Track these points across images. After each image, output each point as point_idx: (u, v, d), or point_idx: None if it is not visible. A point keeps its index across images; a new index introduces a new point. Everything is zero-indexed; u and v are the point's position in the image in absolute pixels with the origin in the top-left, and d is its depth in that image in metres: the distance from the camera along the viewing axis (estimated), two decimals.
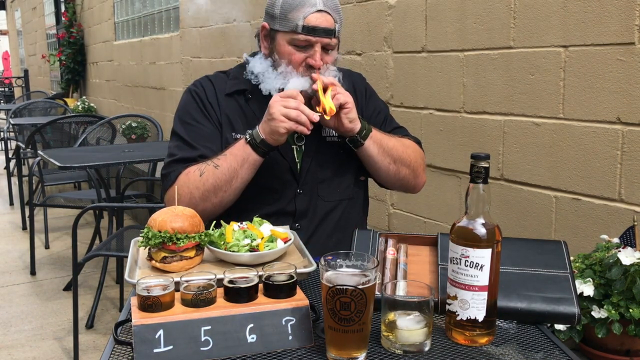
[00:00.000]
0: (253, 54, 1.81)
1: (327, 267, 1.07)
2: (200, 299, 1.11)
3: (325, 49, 1.65)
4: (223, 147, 1.69)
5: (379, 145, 1.68)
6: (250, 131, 1.60)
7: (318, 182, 1.74)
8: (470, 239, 1.11)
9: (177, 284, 1.15)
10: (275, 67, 1.68)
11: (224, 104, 1.74)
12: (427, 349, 1.10)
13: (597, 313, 1.67)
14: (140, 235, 1.32)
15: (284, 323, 1.11)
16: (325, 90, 1.58)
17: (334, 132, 1.74)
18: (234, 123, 1.72)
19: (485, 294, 1.12)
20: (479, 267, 1.10)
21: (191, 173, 1.62)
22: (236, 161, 1.59)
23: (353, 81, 1.86)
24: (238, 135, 1.69)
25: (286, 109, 1.53)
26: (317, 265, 1.18)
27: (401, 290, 1.20)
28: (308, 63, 1.64)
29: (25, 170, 5.61)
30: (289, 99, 1.55)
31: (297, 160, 1.73)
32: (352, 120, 1.62)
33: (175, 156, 1.70)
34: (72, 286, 3.03)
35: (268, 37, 1.71)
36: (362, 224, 1.87)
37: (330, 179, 1.75)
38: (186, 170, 1.64)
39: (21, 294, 3.88)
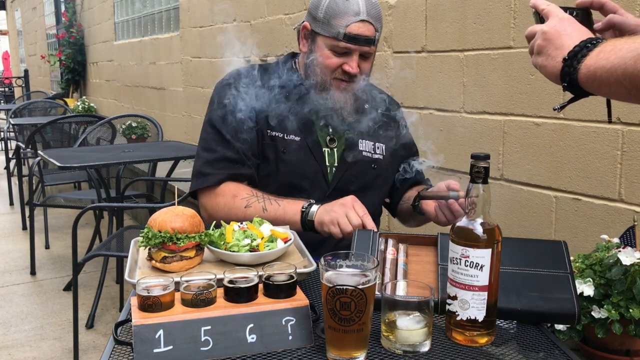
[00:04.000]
0: (293, 54, 1.84)
1: (327, 267, 1.08)
2: (200, 299, 1.11)
3: (364, 55, 1.67)
4: (257, 141, 1.70)
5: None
6: (309, 204, 1.61)
7: (348, 193, 1.72)
8: (470, 239, 1.11)
9: (177, 284, 1.15)
10: (311, 66, 1.70)
11: (258, 99, 1.73)
12: (427, 349, 1.10)
13: (597, 313, 1.66)
14: (140, 235, 1.32)
15: (284, 323, 1.11)
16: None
17: (371, 147, 1.79)
18: (269, 119, 1.72)
19: (485, 294, 1.12)
20: (479, 267, 1.10)
21: (238, 199, 1.65)
22: (284, 216, 1.61)
23: (392, 108, 1.89)
24: (273, 133, 1.71)
25: (345, 219, 1.52)
26: (317, 265, 1.18)
27: (401, 290, 1.20)
28: (344, 69, 1.66)
29: (25, 170, 5.61)
30: (356, 215, 1.52)
31: (327, 164, 1.76)
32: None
33: (216, 152, 1.70)
34: (72, 286, 3.03)
35: (309, 37, 1.72)
36: None
37: (358, 192, 1.74)
38: (233, 190, 1.66)
39: (21, 294, 3.88)
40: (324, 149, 1.76)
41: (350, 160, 1.77)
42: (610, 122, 1.22)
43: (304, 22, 1.73)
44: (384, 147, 1.84)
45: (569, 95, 1.06)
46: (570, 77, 1.00)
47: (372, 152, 1.80)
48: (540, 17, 1.12)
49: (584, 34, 1.03)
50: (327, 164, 1.76)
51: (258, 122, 1.73)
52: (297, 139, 1.73)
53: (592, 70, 0.95)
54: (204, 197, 1.73)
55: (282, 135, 1.72)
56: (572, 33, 1.03)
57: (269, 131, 1.72)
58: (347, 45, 1.62)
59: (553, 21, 1.07)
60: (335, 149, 1.78)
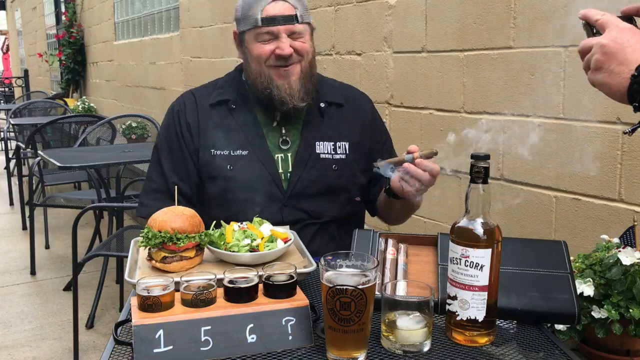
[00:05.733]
0: (240, 66, 1.80)
1: (327, 267, 1.08)
2: (200, 299, 1.11)
3: (294, 36, 1.64)
4: (201, 165, 1.69)
5: (408, 202, 1.63)
6: None
7: (308, 197, 1.69)
8: (470, 239, 1.11)
9: (177, 284, 1.15)
10: (249, 67, 1.68)
11: (204, 119, 1.72)
12: (427, 349, 1.10)
13: (597, 313, 1.66)
14: (140, 235, 1.32)
15: (284, 323, 1.11)
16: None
17: (330, 148, 1.72)
18: (214, 138, 1.70)
19: (485, 294, 1.12)
20: (479, 267, 1.10)
21: None
22: None
23: (357, 102, 1.83)
24: (219, 152, 1.68)
25: None
26: (317, 265, 1.18)
27: (401, 290, 1.20)
28: (277, 54, 1.63)
29: (25, 170, 5.61)
30: None
31: (280, 171, 1.70)
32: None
33: (154, 182, 1.78)
34: (72, 286, 3.03)
35: (239, 42, 1.71)
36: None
37: (320, 195, 1.70)
38: None
39: (21, 294, 3.88)
40: (276, 155, 1.70)
41: (305, 165, 1.69)
42: None
43: (232, 31, 1.73)
44: (347, 146, 1.74)
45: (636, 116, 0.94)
46: None
47: (333, 152, 1.72)
48: (592, 29, 1.00)
49: None
50: (281, 170, 1.69)
51: (200, 148, 1.71)
52: (245, 152, 1.68)
53: None
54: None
55: (228, 152, 1.68)
56: (637, 45, 0.92)
57: (213, 151, 1.69)
58: (269, 29, 1.61)
59: (612, 32, 0.95)
60: (289, 154, 1.71)
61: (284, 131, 1.73)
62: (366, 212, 1.91)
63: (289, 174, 1.69)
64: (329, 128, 1.74)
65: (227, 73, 1.84)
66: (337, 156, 1.72)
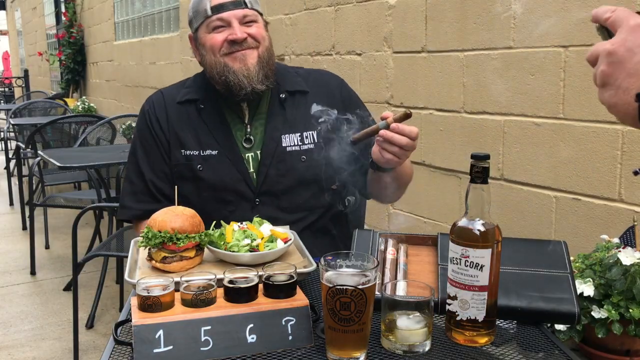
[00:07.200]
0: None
1: (327, 267, 1.08)
2: (200, 299, 1.11)
3: (247, 23, 1.65)
4: (172, 165, 1.69)
5: (397, 174, 1.59)
6: None
7: (279, 193, 1.68)
8: (470, 239, 1.11)
9: (177, 284, 1.15)
10: (207, 63, 1.68)
11: (173, 117, 1.73)
12: (427, 349, 1.10)
13: (597, 313, 1.66)
14: (140, 235, 1.32)
15: (284, 323, 1.11)
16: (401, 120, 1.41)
17: (297, 140, 1.69)
18: (184, 138, 1.70)
19: (485, 294, 1.12)
20: (479, 267, 1.10)
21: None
22: None
23: (323, 86, 1.78)
24: (188, 152, 1.68)
25: None
26: (317, 265, 1.18)
27: (401, 290, 1.20)
28: (229, 39, 1.63)
29: (25, 170, 5.62)
30: None
31: (251, 170, 1.69)
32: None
33: (134, 185, 1.74)
34: (72, 286, 3.03)
35: (195, 43, 1.73)
36: (342, 235, 1.79)
37: (291, 189, 1.68)
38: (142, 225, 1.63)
39: (21, 294, 3.88)
40: (247, 154, 1.69)
41: (272, 160, 1.67)
42: None
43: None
44: (314, 134, 1.70)
45: None
46: None
47: (300, 144, 1.69)
48: (607, 32, 0.76)
49: None
50: (252, 169, 1.68)
51: (171, 146, 1.71)
52: (215, 152, 1.68)
53: None
54: (134, 225, 1.81)
55: (198, 152, 1.69)
56: None
57: (182, 151, 1.69)
58: (219, 16, 1.63)
59: (622, 34, 0.69)
60: (258, 152, 1.69)
61: (249, 129, 1.71)
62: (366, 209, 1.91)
63: (256, 172, 1.69)
64: (293, 119, 1.72)
65: (196, 74, 1.84)
66: (305, 147, 1.70)
